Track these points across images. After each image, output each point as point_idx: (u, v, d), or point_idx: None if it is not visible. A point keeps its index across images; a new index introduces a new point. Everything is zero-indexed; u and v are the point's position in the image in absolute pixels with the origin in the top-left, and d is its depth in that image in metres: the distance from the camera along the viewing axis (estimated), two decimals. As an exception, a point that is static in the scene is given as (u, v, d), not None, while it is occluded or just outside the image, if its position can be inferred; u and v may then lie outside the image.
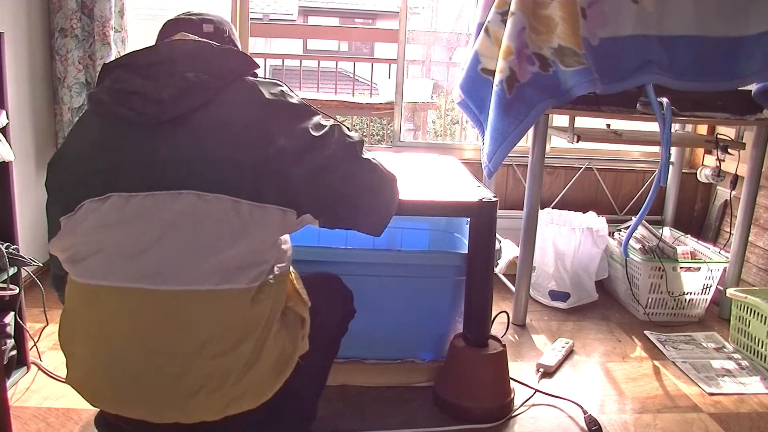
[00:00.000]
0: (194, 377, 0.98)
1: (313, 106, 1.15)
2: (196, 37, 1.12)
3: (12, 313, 1.68)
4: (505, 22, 2.09)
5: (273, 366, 1.04)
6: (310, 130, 1.09)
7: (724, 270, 2.41)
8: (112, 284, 0.99)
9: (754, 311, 2.08)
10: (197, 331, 0.98)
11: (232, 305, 0.99)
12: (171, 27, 1.26)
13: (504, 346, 1.73)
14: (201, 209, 0.98)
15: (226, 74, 1.06)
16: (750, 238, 2.46)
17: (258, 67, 1.13)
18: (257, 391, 1.03)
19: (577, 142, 2.24)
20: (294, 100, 1.11)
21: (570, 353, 2.09)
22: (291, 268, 1.19)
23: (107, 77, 1.07)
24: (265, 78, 1.12)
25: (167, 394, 0.99)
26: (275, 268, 1.06)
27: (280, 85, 1.12)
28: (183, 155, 1.00)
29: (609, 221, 2.61)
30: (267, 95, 1.07)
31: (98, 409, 1.16)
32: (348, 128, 1.18)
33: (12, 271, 1.65)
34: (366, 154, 1.18)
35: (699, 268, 2.36)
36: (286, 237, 1.13)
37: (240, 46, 1.35)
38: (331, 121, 1.15)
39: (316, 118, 1.12)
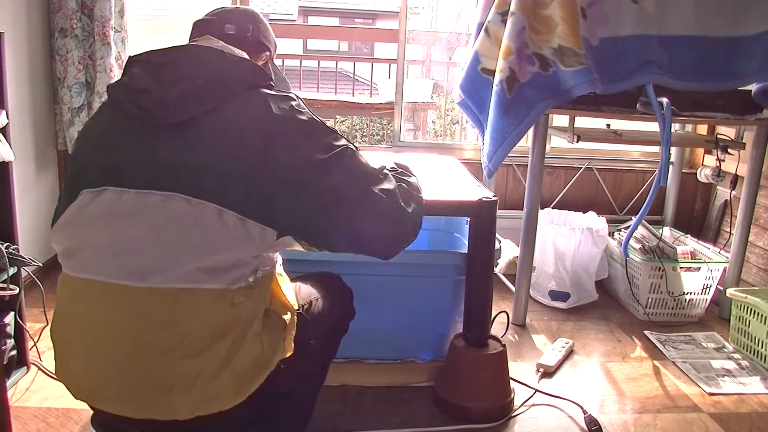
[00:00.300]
0: (168, 375, 0.98)
1: (327, 125, 1.11)
2: (221, 43, 1.13)
3: (12, 313, 1.68)
4: (505, 22, 2.09)
5: (249, 368, 1.03)
6: (316, 151, 1.06)
7: (724, 270, 2.41)
8: (100, 279, 1.00)
9: (754, 311, 2.07)
10: (173, 329, 0.98)
11: (209, 305, 0.99)
12: (197, 28, 1.27)
13: (504, 346, 1.73)
14: (188, 214, 0.99)
15: (235, 84, 1.06)
16: (750, 238, 2.46)
17: (270, 79, 1.11)
18: (231, 392, 1.02)
19: (577, 142, 2.24)
20: (304, 117, 1.07)
21: (570, 353, 2.09)
22: (279, 270, 1.19)
23: (127, 72, 1.09)
24: (278, 91, 1.10)
25: (142, 390, 0.99)
26: (258, 271, 1.06)
27: (293, 100, 1.09)
28: (179, 159, 1.00)
29: (609, 221, 2.61)
30: (275, 109, 1.05)
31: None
32: (358, 152, 1.13)
33: (12, 271, 1.65)
34: (378, 185, 1.12)
35: (699, 268, 2.36)
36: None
37: (270, 42, 1.34)
38: (343, 143, 1.11)
39: (327, 139, 1.08)
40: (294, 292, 1.22)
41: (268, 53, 1.35)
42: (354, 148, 1.12)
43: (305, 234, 1.09)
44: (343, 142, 1.11)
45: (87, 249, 1.02)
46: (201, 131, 1.02)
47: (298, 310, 1.19)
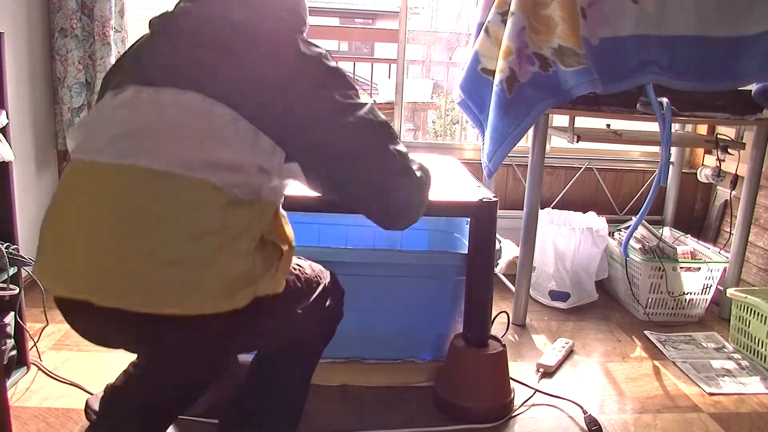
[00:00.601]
0: (154, 257, 0.96)
1: (352, 79, 1.15)
2: None
3: (12, 313, 1.68)
4: (505, 22, 2.09)
5: (236, 278, 1.01)
6: (337, 94, 1.09)
7: (724, 270, 2.41)
8: (100, 160, 1.01)
9: (754, 311, 2.07)
10: (164, 211, 0.97)
11: (204, 197, 0.99)
12: None
13: (504, 346, 1.73)
14: (201, 108, 1.01)
15: (271, 21, 1.10)
16: (750, 238, 2.46)
17: (304, 28, 1.16)
18: (214, 294, 0.98)
19: (577, 142, 2.24)
20: (331, 64, 1.12)
21: (570, 353, 2.09)
22: (282, 213, 1.19)
23: (176, 5, 1.15)
24: (309, 39, 1.14)
25: (126, 270, 0.96)
26: (262, 192, 1.06)
27: (320, 48, 1.13)
28: (204, 74, 1.04)
29: (609, 221, 2.61)
30: (304, 49, 1.09)
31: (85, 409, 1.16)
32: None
33: (12, 271, 1.65)
34: (394, 145, 1.15)
35: (699, 268, 2.36)
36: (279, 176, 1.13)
37: (306, 18, 1.39)
38: (366, 99, 1.14)
39: (351, 91, 1.12)
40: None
41: (304, 27, 1.38)
42: (374, 105, 1.16)
43: (311, 168, 1.11)
44: (366, 99, 1.14)
45: (94, 135, 1.05)
46: (230, 56, 1.05)
47: (294, 278, 1.19)
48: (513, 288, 2.35)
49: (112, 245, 0.97)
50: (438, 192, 1.78)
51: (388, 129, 1.15)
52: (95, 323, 1.04)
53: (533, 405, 1.76)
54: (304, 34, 1.37)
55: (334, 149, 1.09)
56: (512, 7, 2.05)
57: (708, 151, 2.89)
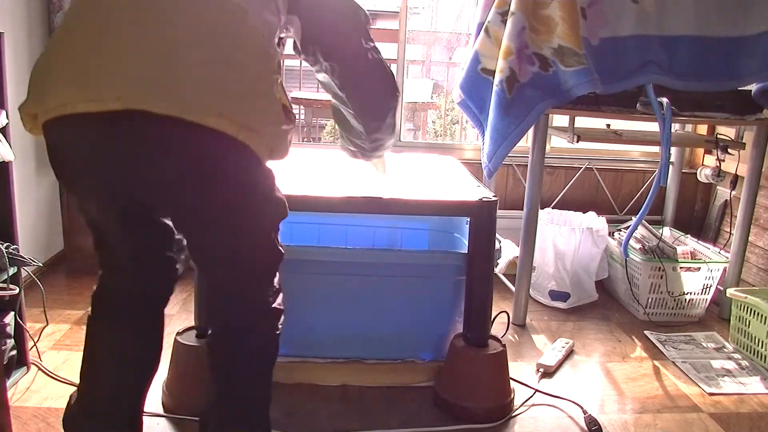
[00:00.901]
0: (189, 60, 0.97)
1: None
2: None
3: (12, 313, 1.68)
4: (505, 22, 2.09)
5: (267, 111, 1.04)
6: None
7: (724, 270, 2.41)
8: None
9: (754, 311, 2.08)
10: (202, 23, 1.00)
11: (244, 25, 1.03)
12: None
13: (504, 346, 1.73)
14: None
15: None
16: (750, 238, 2.46)
17: None
18: (248, 115, 1.00)
19: (577, 142, 2.24)
20: None
21: (570, 353, 2.09)
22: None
23: None
24: None
25: (159, 78, 0.96)
26: (272, 42, 1.11)
27: None
28: None
29: (609, 221, 2.61)
30: None
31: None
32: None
33: (12, 271, 1.65)
34: (372, 37, 1.34)
35: (699, 268, 2.36)
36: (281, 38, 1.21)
37: None
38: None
39: None
40: None
41: None
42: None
43: (305, 25, 1.25)
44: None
45: None
46: None
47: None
48: (513, 288, 2.35)
49: (145, 53, 0.96)
50: (438, 192, 1.78)
51: (368, 23, 1.33)
52: (104, 145, 1.03)
53: (533, 405, 1.76)
54: None
55: (323, 8, 1.27)
56: (512, 7, 2.05)
57: (708, 151, 2.90)
